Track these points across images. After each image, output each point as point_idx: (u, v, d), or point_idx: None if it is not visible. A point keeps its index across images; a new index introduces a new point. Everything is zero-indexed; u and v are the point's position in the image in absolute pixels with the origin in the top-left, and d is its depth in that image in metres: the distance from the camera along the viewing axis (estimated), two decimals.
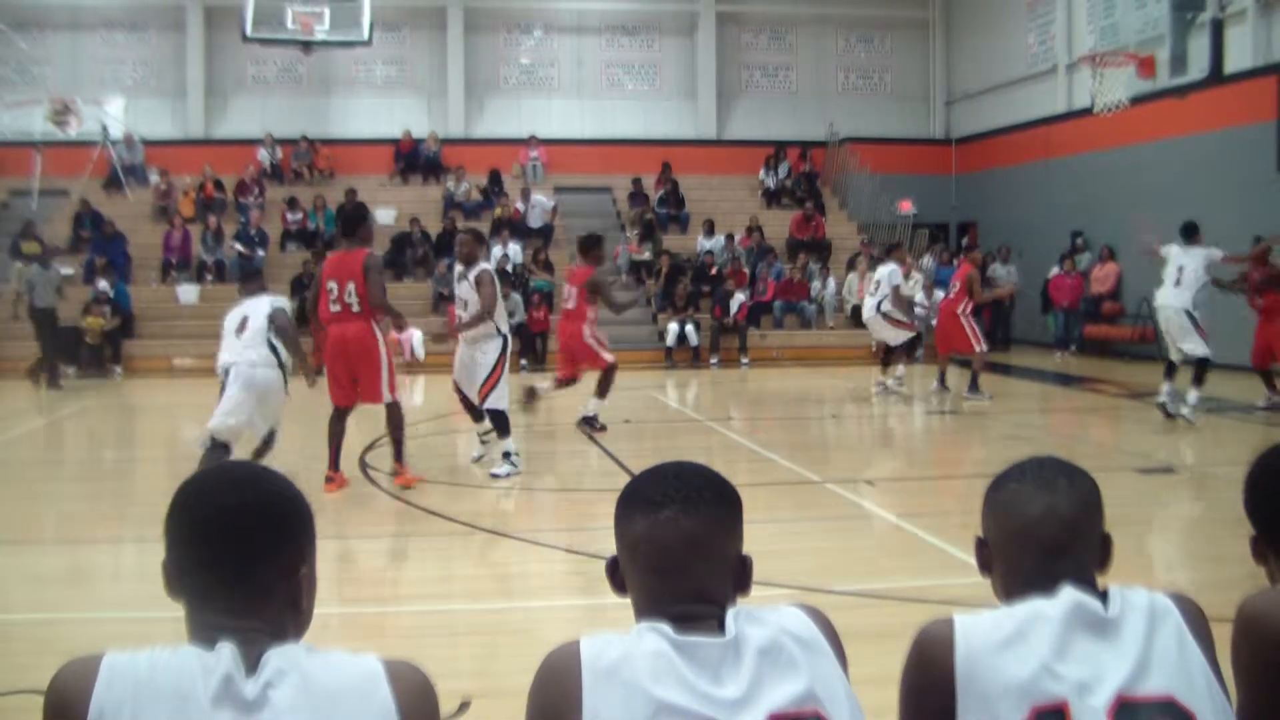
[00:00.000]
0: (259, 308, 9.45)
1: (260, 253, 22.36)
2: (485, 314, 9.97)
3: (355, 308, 9.24)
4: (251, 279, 10.67)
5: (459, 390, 10.66)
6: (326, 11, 21.70)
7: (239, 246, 22.32)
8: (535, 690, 1.98)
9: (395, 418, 9.67)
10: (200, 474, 1.97)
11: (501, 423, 10.15)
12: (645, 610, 2.03)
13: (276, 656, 1.82)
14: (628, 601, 2.10)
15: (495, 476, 10.05)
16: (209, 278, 22.06)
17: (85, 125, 25.14)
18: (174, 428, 14.76)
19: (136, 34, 26.48)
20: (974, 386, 15.29)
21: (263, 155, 25.21)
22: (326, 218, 23.21)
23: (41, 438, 14.33)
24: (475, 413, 10.64)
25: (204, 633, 1.85)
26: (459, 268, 10.37)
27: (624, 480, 2.19)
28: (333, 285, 9.29)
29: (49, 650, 5.11)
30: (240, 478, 1.97)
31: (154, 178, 24.70)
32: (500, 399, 10.10)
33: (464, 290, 10.21)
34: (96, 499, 10.00)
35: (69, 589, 7.09)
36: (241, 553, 1.86)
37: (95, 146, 24.72)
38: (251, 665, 1.80)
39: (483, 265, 10.26)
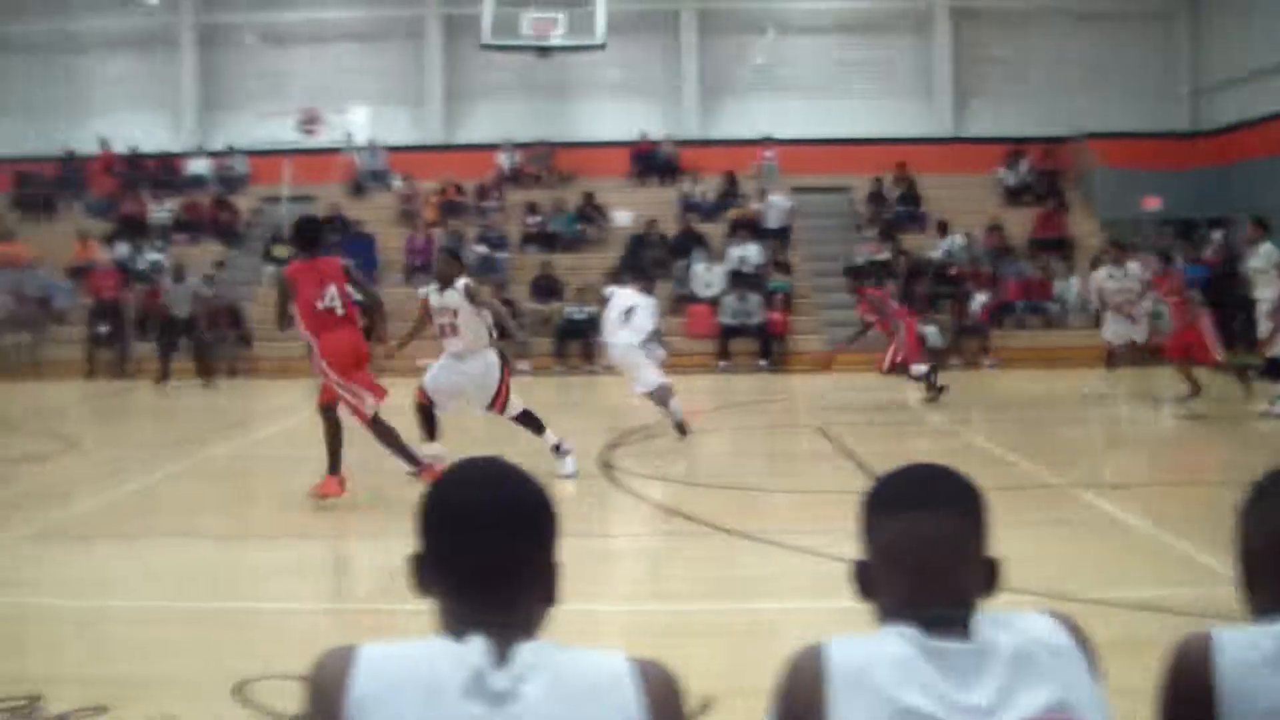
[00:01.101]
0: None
1: (502, 255, 23.62)
2: (499, 322, 10.51)
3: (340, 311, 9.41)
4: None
5: (426, 406, 10.65)
6: (561, 17, 22.88)
7: (481, 249, 23.61)
8: (778, 692, 2.00)
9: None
10: (454, 470, 2.07)
11: (532, 421, 10.59)
12: (894, 613, 2.04)
13: (527, 651, 1.89)
14: (866, 605, 2.14)
15: (567, 476, 10.25)
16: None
17: (331, 133, 27.03)
18: (414, 425, 15.76)
19: (378, 44, 28.18)
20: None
21: (502, 159, 26.54)
22: (565, 220, 24.41)
23: (300, 435, 15.32)
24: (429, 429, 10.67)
25: (455, 626, 1.94)
26: (435, 285, 10.56)
27: (865, 482, 2.27)
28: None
29: (296, 639, 6.06)
30: (494, 472, 2.04)
31: (396, 183, 26.27)
32: (516, 404, 10.53)
33: (451, 300, 10.31)
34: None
35: (311, 580, 7.76)
36: (497, 546, 1.94)
37: (341, 154, 26.47)
38: (502, 659, 1.87)
39: (465, 279, 10.48)
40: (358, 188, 26.30)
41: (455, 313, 10.31)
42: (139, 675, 5.52)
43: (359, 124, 27.12)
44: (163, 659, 5.82)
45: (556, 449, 10.45)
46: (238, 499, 10.55)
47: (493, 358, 10.48)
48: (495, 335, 10.57)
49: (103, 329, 21.83)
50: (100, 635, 6.26)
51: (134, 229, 25.16)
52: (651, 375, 12.77)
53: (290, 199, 25.74)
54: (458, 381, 10.57)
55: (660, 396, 12.72)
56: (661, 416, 12.92)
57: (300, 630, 6.30)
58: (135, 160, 27.17)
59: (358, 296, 9.59)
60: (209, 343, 21.04)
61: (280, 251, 23.60)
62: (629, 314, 12.69)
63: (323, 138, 26.98)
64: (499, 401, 10.47)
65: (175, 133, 28.23)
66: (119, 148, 27.29)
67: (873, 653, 1.96)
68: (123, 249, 24.25)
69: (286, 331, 9.70)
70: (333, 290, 9.27)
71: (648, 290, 13.47)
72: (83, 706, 5.01)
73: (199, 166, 27.32)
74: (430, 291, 10.60)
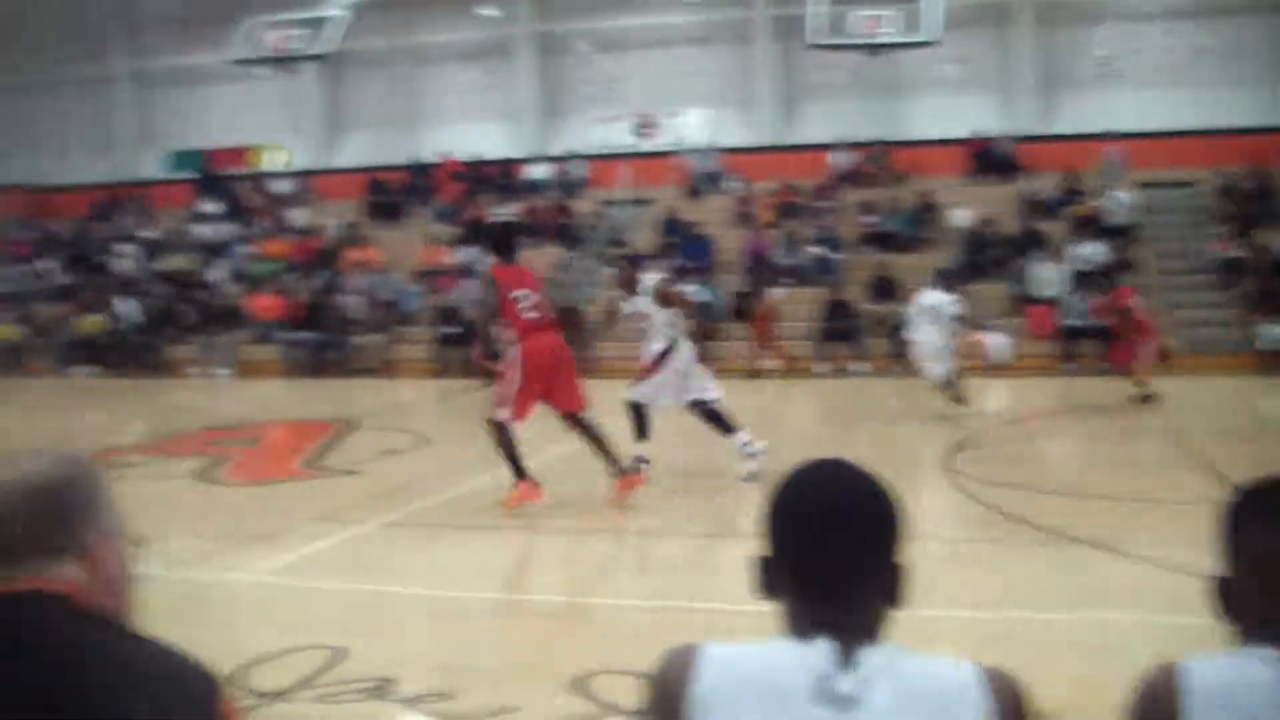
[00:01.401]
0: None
1: (837, 256, 23.51)
2: (690, 320, 10.83)
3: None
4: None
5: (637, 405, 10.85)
6: (891, 14, 22.57)
7: (816, 250, 23.57)
8: (1132, 711, 1.94)
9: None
10: (802, 471, 2.02)
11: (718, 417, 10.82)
12: (1256, 634, 1.93)
13: (873, 655, 1.85)
14: (1225, 623, 2.02)
15: (752, 477, 10.30)
16: (788, 281, 23.41)
17: (666, 137, 27.58)
18: (762, 427, 15.92)
19: (710, 48, 28.55)
20: None
21: (837, 159, 26.45)
22: (901, 220, 24.10)
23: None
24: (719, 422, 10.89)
25: (801, 627, 1.91)
26: (622, 293, 11.12)
27: (1221, 491, 2.16)
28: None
29: (641, 634, 6.18)
30: (842, 474, 2.00)
31: (732, 185, 26.54)
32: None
33: (639, 305, 10.82)
34: (691, 494, 10.95)
35: (658, 577, 7.90)
36: (846, 548, 1.92)
37: (675, 156, 26.94)
38: (847, 663, 1.84)
39: (653, 281, 10.91)
40: (693, 190, 26.68)
41: (645, 316, 10.78)
42: (483, 664, 5.79)
43: (693, 127, 27.59)
44: (506, 650, 6.10)
45: (744, 446, 10.65)
46: (579, 496, 10.85)
47: (687, 352, 10.76)
48: (693, 330, 10.91)
49: (449, 330, 22.88)
50: (449, 624, 6.58)
51: (478, 233, 26.30)
52: (939, 368, 14.35)
53: (627, 202, 26.41)
54: (665, 378, 10.80)
55: (951, 389, 14.05)
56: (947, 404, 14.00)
57: (640, 626, 6.46)
58: (478, 167, 28.44)
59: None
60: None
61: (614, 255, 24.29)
62: (930, 312, 14.16)
63: (658, 141, 27.60)
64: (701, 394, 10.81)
65: (515, 139, 29.39)
66: (462, 155, 28.67)
67: (1235, 676, 1.86)
68: (467, 253, 25.38)
69: (497, 331, 9.74)
70: (533, 295, 9.53)
71: (948, 288, 14.82)
72: (430, 691, 5.31)
73: (538, 172, 28.32)
74: (621, 301, 11.08)
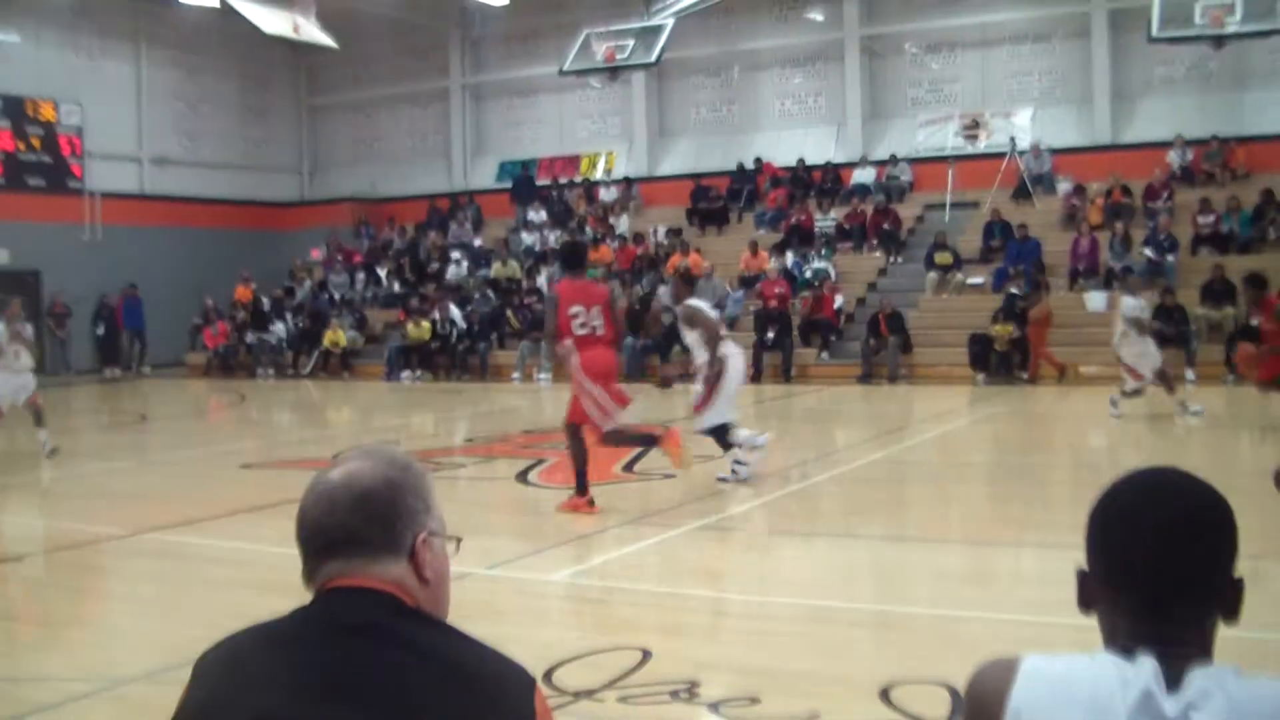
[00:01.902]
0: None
1: (1170, 258, 22.66)
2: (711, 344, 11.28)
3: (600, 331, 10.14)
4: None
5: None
6: (1237, 3, 21.52)
7: (1148, 252, 22.76)
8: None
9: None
10: (1132, 479, 1.92)
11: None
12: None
13: (1202, 676, 1.75)
14: None
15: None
16: (1116, 285, 22.69)
17: (994, 137, 27.11)
18: (1076, 435, 15.63)
19: (1042, 45, 27.81)
20: None
21: (1172, 157, 25.40)
22: (1242, 220, 23.01)
23: (956, 440, 15.59)
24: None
25: (1123, 643, 1.83)
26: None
27: None
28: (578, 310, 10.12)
29: (952, 645, 6.11)
30: (1176, 482, 1.89)
31: (1062, 186, 25.88)
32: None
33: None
34: (1003, 502, 10.93)
35: (971, 587, 7.75)
36: (1179, 561, 1.81)
37: (1004, 158, 26.41)
38: (1173, 682, 1.74)
39: (688, 302, 11.70)
40: (1021, 192, 26.14)
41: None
42: (791, 670, 5.83)
43: (1022, 127, 27.00)
44: (814, 656, 6.10)
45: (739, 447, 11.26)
46: (892, 500, 10.96)
47: (729, 366, 11.38)
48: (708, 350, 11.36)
49: (769, 335, 23.22)
50: (756, 629, 6.69)
51: (800, 238, 26.55)
52: (1146, 368, 15.13)
53: (953, 205, 26.12)
54: (720, 400, 11.41)
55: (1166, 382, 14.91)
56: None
57: (951, 637, 6.41)
58: (802, 172, 28.70)
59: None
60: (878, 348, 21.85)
61: (942, 258, 24.10)
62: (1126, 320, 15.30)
63: (985, 142, 27.18)
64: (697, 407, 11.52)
65: (839, 144, 29.39)
66: (786, 160, 28.95)
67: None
68: (789, 258, 25.66)
69: (555, 344, 10.23)
70: (596, 310, 10.12)
71: (1131, 292, 16.11)
72: (735, 695, 5.38)
73: (863, 176, 28.25)
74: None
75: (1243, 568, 1.85)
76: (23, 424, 14.15)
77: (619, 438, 10.59)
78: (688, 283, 12.65)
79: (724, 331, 12.09)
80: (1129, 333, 15.26)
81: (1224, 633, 1.84)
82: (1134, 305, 15.65)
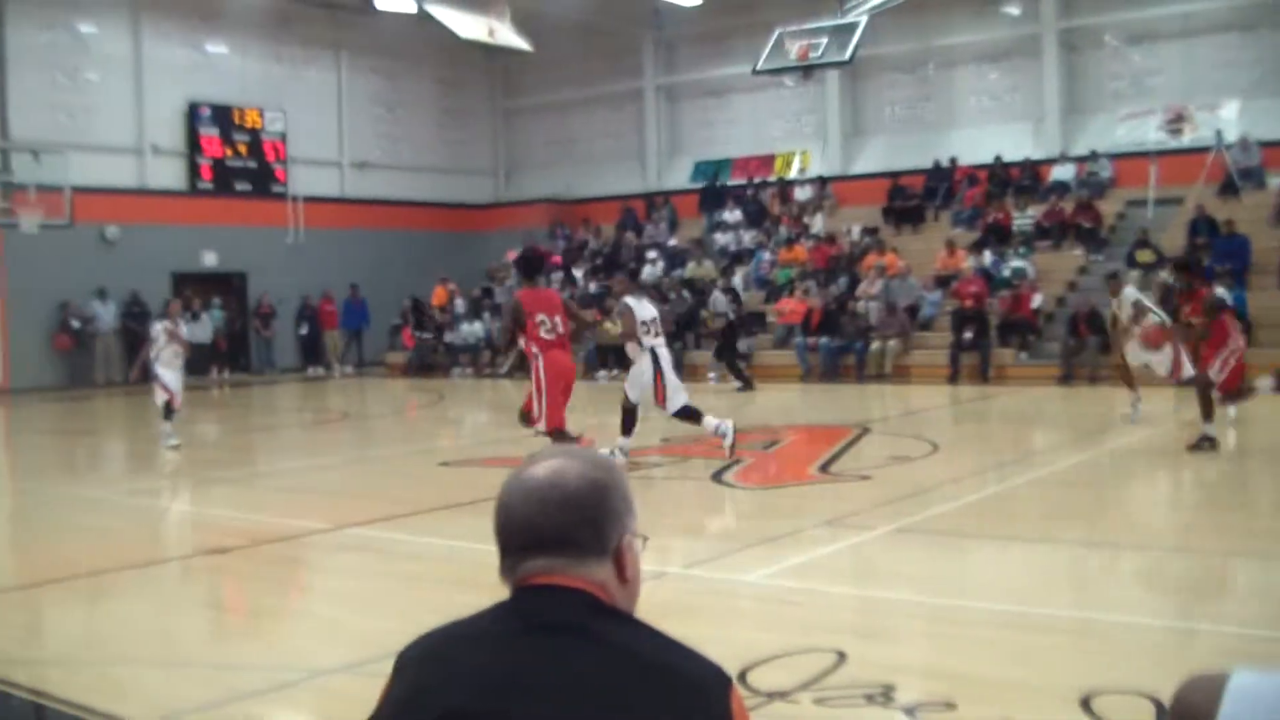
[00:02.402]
0: None
1: None
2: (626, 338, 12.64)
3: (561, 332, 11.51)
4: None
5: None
6: None
7: None
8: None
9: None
10: None
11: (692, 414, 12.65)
12: None
13: None
14: None
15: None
16: None
17: (1198, 132, 26.16)
18: None
19: (1249, 34, 26.72)
20: None
21: None
22: None
23: (1161, 444, 14.81)
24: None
25: None
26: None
27: None
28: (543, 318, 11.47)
29: (1155, 655, 5.92)
30: None
31: (1273, 180, 24.82)
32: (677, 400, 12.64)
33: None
34: (1213, 508, 10.59)
35: (1176, 596, 7.50)
36: None
37: (1209, 152, 25.48)
38: None
39: (624, 299, 12.93)
40: (1229, 186, 25.17)
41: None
42: (987, 676, 5.76)
43: (1229, 119, 25.99)
44: (1012, 662, 6.01)
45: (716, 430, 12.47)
46: (1095, 507, 10.65)
47: (645, 361, 12.66)
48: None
49: (967, 335, 22.82)
50: (952, 633, 6.58)
51: (998, 237, 26.03)
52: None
53: (1156, 201, 25.28)
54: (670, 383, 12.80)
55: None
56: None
57: (1154, 647, 6.27)
58: (999, 169, 28.11)
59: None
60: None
61: (1143, 257, 23.35)
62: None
63: (1190, 136, 26.24)
64: (659, 397, 12.69)
65: (1037, 140, 28.72)
66: (983, 157, 28.38)
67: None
68: (987, 257, 25.18)
69: (509, 349, 10.96)
70: (557, 318, 11.49)
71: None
72: (931, 700, 5.37)
73: (1062, 172, 27.59)
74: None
75: None
76: (230, 423, 14.70)
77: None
78: (632, 279, 13.71)
79: (655, 329, 13.01)
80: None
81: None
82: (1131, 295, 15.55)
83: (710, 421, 12.60)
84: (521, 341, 11.98)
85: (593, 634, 1.92)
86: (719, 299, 24.79)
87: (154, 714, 5.47)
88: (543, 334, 11.61)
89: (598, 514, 2.01)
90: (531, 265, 12.78)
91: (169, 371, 15.30)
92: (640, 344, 12.78)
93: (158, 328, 15.71)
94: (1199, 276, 14.17)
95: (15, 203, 22.10)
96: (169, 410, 15.21)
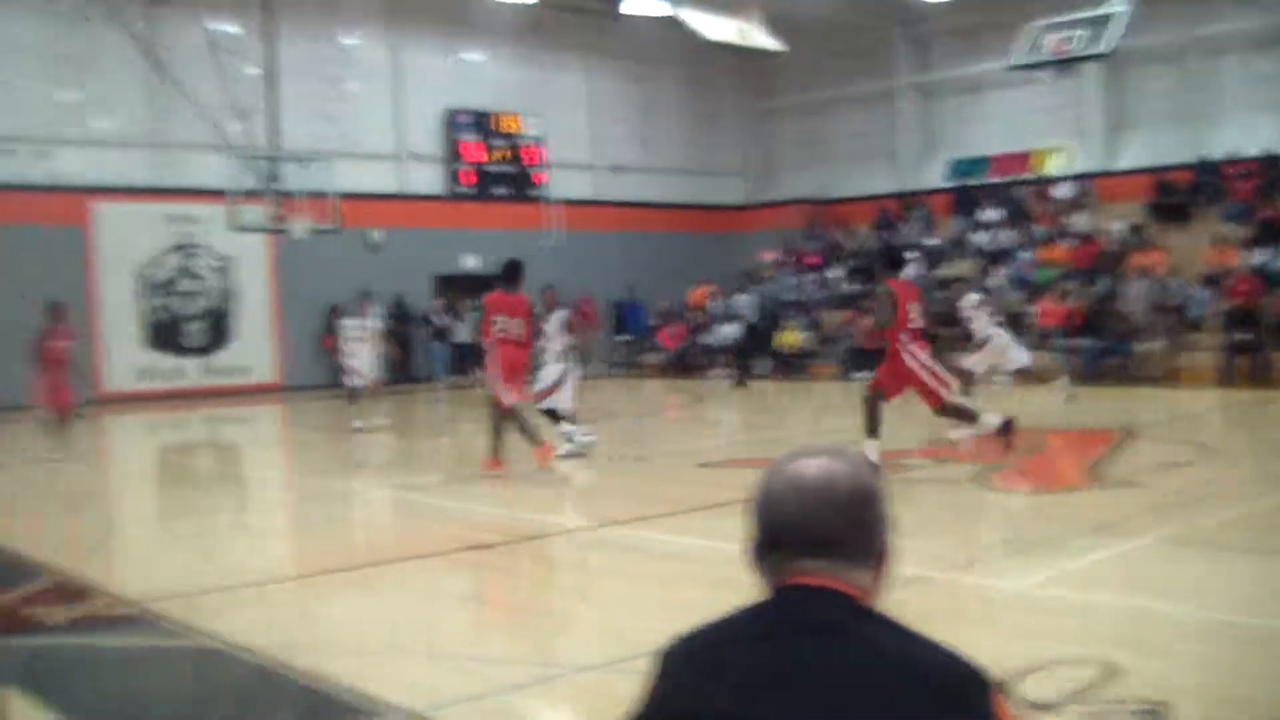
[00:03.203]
0: None
1: None
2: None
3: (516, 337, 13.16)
4: None
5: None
6: None
7: None
8: None
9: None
10: None
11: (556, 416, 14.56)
12: None
13: None
14: None
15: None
16: None
17: None
18: None
19: None
20: None
21: None
22: None
23: None
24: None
25: None
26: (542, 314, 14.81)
27: None
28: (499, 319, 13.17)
29: None
30: None
31: None
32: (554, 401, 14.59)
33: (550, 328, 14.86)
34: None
35: None
36: None
37: None
38: None
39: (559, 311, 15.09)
40: None
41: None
42: (1268, 698, 5.53)
43: None
44: None
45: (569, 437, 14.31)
46: None
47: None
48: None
49: (1240, 336, 21.80)
50: (1228, 652, 6.31)
51: (1272, 233, 24.76)
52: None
53: None
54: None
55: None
56: None
57: None
58: (1272, 163, 26.71)
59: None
60: None
61: None
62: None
63: None
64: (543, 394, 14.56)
65: None
66: (1253, 150, 27.03)
67: None
68: (1261, 254, 24.00)
69: (487, 344, 13.28)
70: (518, 321, 13.16)
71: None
72: None
73: None
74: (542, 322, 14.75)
75: None
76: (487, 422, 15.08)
77: (519, 425, 13.10)
78: (893, 266, 14.03)
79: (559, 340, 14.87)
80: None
81: None
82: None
83: (989, 419, 12.45)
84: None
85: (855, 635, 1.93)
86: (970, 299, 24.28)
87: (420, 703, 5.65)
88: (495, 332, 13.24)
89: (869, 518, 2.02)
90: (510, 272, 13.73)
91: (355, 359, 18.15)
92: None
93: (355, 322, 18.72)
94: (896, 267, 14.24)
95: (286, 210, 23.15)
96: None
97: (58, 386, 16.34)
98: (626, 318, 31.63)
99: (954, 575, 7.91)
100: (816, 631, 1.93)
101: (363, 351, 18.45)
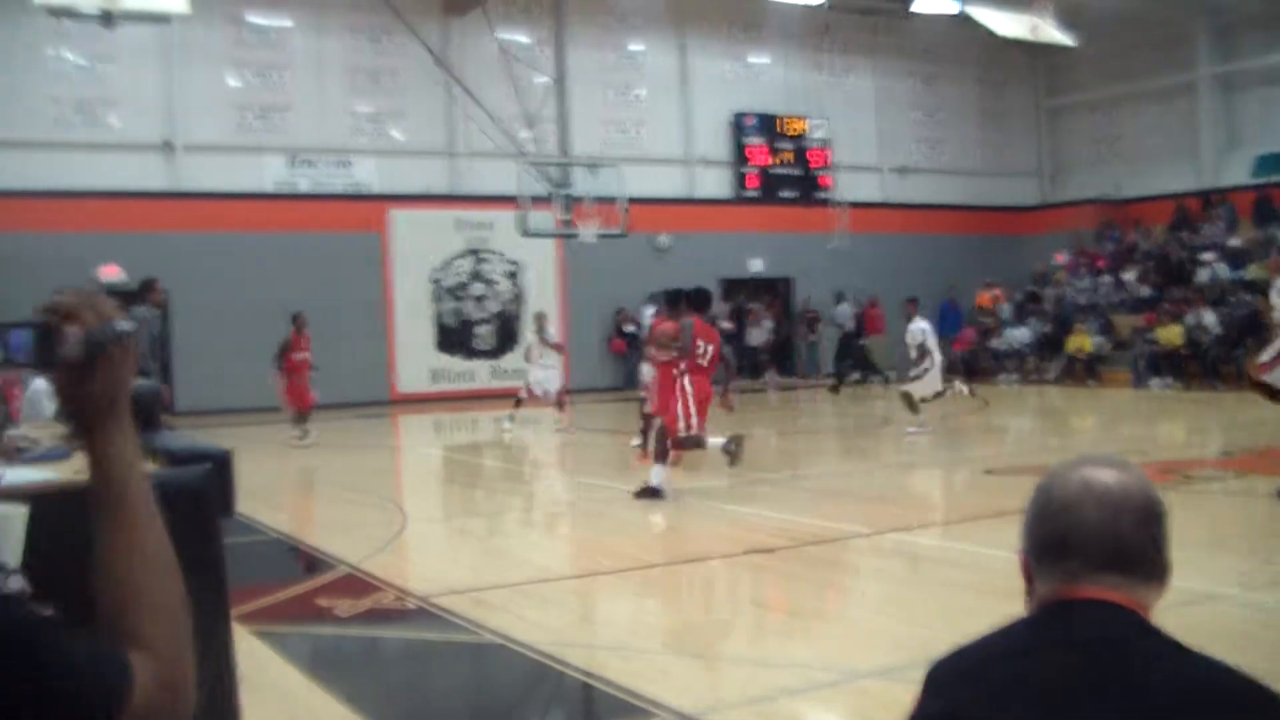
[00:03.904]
0: None
1: None
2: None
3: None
4: None
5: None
6: None
7: None
8: None
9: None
10: None
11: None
12: None
13: None
14: None
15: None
16: None
17: None
18: None
19: None
20: None
21: None
22: None
23: None
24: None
25: None
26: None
27: None
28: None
29: None
30: None
31: None
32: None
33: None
34: None
35: None
36: None
37: None
38: None
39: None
40: None
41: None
42: None
43: None
44: None
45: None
46: None
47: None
48: None
49: None
50: None
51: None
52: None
53: None
54: None
55: None
56: None
57: None
58: None
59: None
60: None
61: None
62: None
63: None
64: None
65: None
66: None
67: None
68: None
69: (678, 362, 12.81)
70: (712, 347, 12.78)
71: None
72: None
73: None
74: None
75: None
76: (774, 426, 15.06)
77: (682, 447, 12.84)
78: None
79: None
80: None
81: None
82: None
83: None
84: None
85: (1139, 654, 1.82)
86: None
87: (697, 705, 5.63)
88: (698, 359, 13.20)
89: (1161, 533, 1.94)
90: (700, 298, 13.40)
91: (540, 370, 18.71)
92: None
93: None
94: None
95: (575, 215, 23.63)
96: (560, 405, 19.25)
97: (300, 389, 18.43)
98: (946, 319, 30.97)
99: (1249, 594, 7.43)
100: (1095, 648, 1.83)
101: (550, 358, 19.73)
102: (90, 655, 1.41)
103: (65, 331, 1.52)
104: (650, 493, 12.19)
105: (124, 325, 1.56)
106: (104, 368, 1.54)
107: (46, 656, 1.36)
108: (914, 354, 17.18)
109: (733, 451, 12.64)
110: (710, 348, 12.72)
